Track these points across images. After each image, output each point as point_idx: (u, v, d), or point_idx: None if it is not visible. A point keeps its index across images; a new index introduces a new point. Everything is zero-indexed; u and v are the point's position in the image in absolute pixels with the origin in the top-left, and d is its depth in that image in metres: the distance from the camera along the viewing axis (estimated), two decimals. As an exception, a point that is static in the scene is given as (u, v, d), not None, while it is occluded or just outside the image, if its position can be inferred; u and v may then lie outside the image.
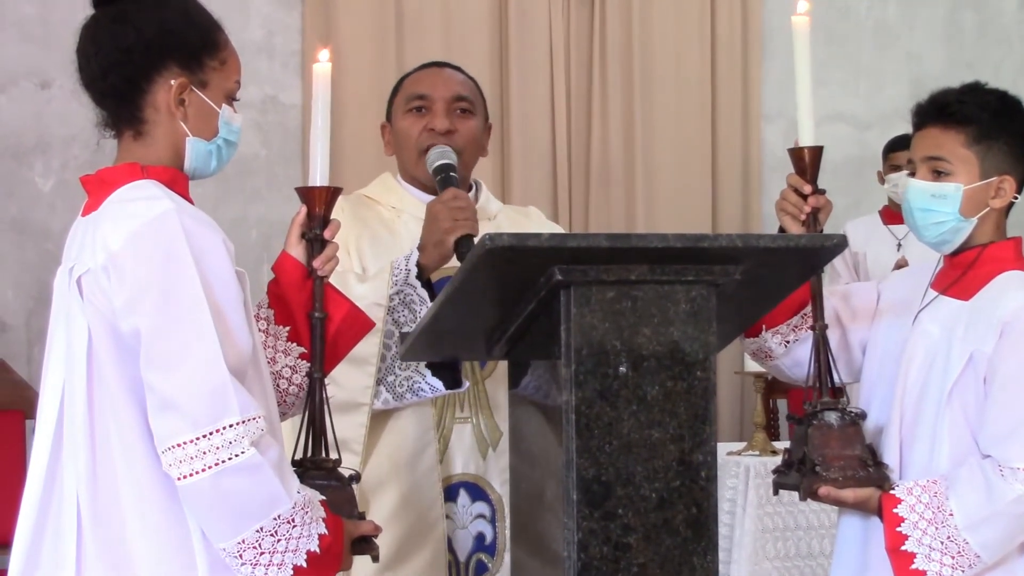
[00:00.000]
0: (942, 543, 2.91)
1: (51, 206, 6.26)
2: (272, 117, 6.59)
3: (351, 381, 3.25)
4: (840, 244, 2.76)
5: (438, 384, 3.29)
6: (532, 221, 3.63)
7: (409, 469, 3.36)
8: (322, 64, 2.88)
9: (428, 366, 3.28)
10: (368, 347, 3.23)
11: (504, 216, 3.53)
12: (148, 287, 2.47)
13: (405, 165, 3.53)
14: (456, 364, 3.33)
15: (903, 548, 2.93)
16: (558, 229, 3.73)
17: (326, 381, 2.86)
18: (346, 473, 2.83)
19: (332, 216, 2.88)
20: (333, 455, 2.84)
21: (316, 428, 2.83)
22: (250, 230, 6.48)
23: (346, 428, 3.15)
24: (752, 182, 7.33)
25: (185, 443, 2.44)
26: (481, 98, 3.56)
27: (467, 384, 3.36)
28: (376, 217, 3.49)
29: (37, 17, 6.24)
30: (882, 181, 6.72)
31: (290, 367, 2.86)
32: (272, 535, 2.50)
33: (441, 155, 3.40)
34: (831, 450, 2.94)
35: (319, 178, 2.85)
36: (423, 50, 6.30)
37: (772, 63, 7.28)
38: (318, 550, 2.54)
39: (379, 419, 3.34)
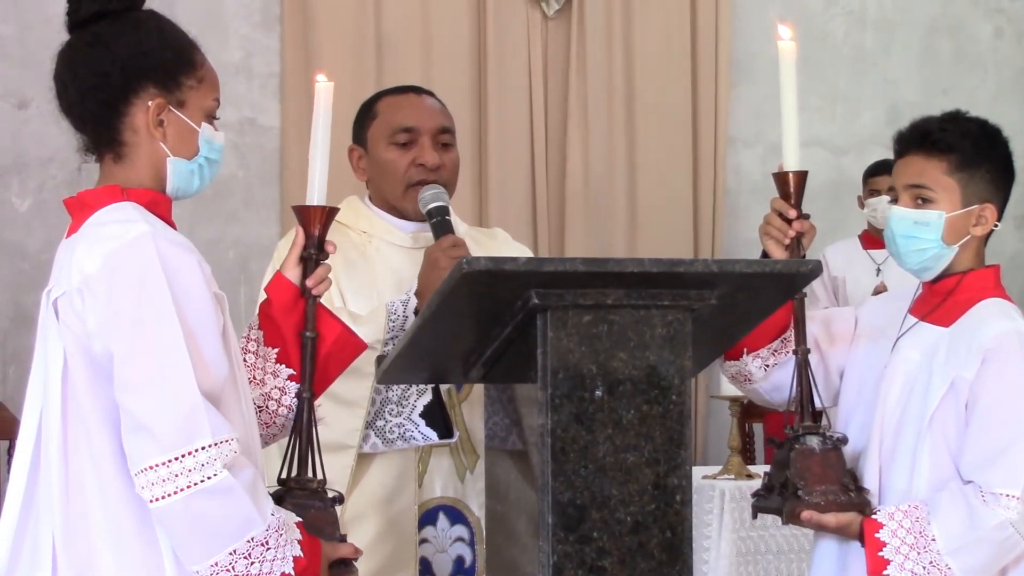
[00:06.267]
0: (924, 568, 2.92)
1: (27, 226, 6.24)
2: (250, 139, 6.58)
3: (340, 423, 3.25)
4: (815, 270, 2.78)
5: (431, 434, 3.30)
6: (499, 243, 3.63)
7: (388, 505, 3.36)
8: (324, 83, 2.87)
9: (421, 415, 3.28)
10: (359, 390, 3.23)
11: (470, 239, 3.52)
12: (121, 310, 2.47)
13: (386, 195, 3.51)
14: (446, 413, 3.34)
15: (885, 573, 2.93)
16: (526, 250, 3.73)
17: (316, 419, 2.85)
18: (330, 494, 2.82)
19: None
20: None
21: (303, 448, 2.82)
22: (227, 251, 6.46)
23: (332, 468, 3.16)
24: (723, 207, 7.32)
25: (157, 465, 2.43)
26: (454, 122, 3.56)
27: (458, 434, 3.37)
28: (348, 242, 3.47)
29: (14, 37, 6.22)
30: (862, 206, 6.74)
31: (279, 388, 2.85)
32: (246, 558, 2.49)
33: (435, 197, 3.39)
34: (813, 474, 2.95)
35: (316, 197, 2.85)
36: (402, 72, 6.30)
37: (749, 88, 7.29)
38: (293, 572, 2.53)
39: (363, 457, 3.34)
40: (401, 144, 3.46)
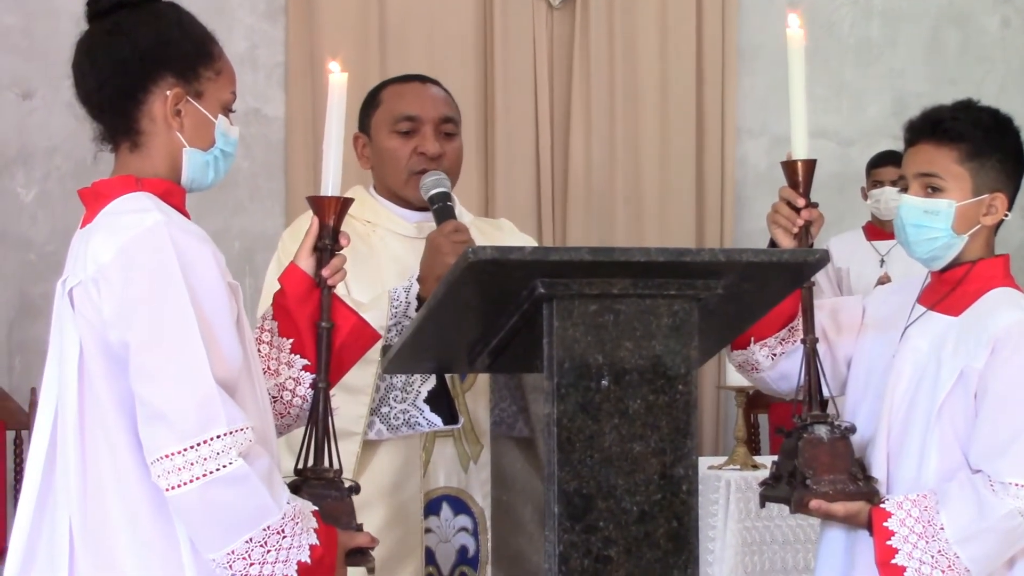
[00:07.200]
0: (932, 557, 2.92)
1: (32, 217, 6.25)
2: (255, 129, 6.57)
3: (345, 409, 3.25)
4: (822, 259, 2.77)
5: (436, 419, 3.30)
6: (504, 233, 3.64)
7: (394, 493, 3.36)
8: (338, 74, 2.87)
9: (425, 401, 3.28)
10: (363, 377, 3.23)
11: (476, 229, 3.51)
12: (136, 299, 2.47)
13: (388, 183, 3.52)
14: (451, 399, 3.34)
15: (893, 562, 2.94)
16: (531, 241, 3.73)
17: (332, 409, 2.85)
18: (346, 484, 2.83)
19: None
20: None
21: (319, 438, 2.83)
22: (232, 242, 6.46)
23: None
24: (730, 198, 7.31)
25: (173, 454, 2.44)
26: (459, 112, 3.56)
27: (463, 420, 3.37)
28: (352, 232, 3.47)
29: (19, 27, 6.22)
30: (865, 197, 6.73)
31: (293, 379, 2.86)
32: (262, 546, 2.50)
33: (436, 183, 3.39)
34: (821, 463, 2.95)
35: (331, 188, 2.85)
36: (407, 63, 6.29)
37: (754, 79, 7.28)
38: (309, 561, 2.54)
39: (368, 444, 3.34)
40: (403, 132, 3.46)
